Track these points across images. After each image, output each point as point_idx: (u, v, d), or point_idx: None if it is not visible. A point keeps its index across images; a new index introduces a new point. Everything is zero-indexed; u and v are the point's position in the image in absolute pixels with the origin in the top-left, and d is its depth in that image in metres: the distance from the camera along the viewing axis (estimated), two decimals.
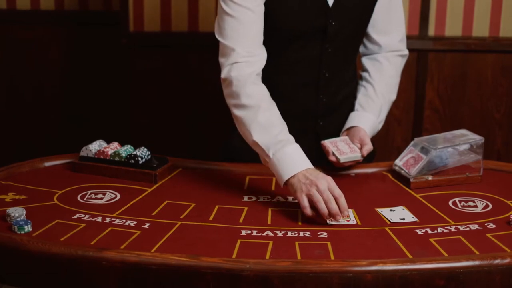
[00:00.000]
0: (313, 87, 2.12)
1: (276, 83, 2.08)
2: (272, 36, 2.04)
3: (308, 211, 1.75)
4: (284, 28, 2.03)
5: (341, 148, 2.02)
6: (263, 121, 1.88)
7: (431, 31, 3.27)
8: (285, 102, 2.04)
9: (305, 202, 1.75)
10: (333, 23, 2.03)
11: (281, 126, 1.90)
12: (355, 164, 2.07)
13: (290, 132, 1.95)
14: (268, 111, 1.91)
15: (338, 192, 1.75)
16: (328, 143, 2.04)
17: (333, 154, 2.01)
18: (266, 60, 1.99)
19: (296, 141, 2.01)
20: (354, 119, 2.13)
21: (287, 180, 1.81)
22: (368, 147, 2.04)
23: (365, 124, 2.11)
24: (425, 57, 3.26)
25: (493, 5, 3.24)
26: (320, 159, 2.03)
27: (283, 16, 2.01)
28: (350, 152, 2.01)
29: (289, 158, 1.83)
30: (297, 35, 2.04)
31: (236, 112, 1.93)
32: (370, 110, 2.14)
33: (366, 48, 2.22)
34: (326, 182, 1.76)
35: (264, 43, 2.02)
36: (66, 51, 3.61)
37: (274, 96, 1.98)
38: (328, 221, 1.75)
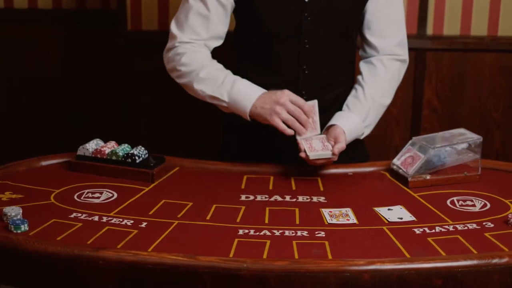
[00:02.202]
0: (294, 84, 2.10)
1: (257, 80, 2.09)
2: (250, 33, 2.06)
3: (289, 131, 1.93)
4: (260, 23, 2.04)
5: (314, 146, 1.99)
6: (206, 75, 2.04)
7: (429, 30, 3.26)
8: None
9: (282, 124, 1.94)
10: (309, 18, 2.03)
11: (225, 72, 2.06)
12: (330, 163, 2.03)
13: (272, 129, 1.97)
14: (207, 67, 2.05)
15: (300, 101, 1.96)
16: (302, 140, 2.00)
17: (304, 151, 1.99)
18: (213, 49, 2.13)
19: (278, 138, 2.02)
20: (336, 118, 2.10)
21: (251, 112, 1.95)
22: (340, 145, 1.99)
23: (345, 124, 2.06)
24: (423, 56, 3.26)
25: (491, 4, 3.24)
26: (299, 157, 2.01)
27: (258, 11, 2.03)
28: (322, 150, 1.99)
29: (243, 92, 2.00)
30: (273, 30, 2.05)
31: (181, 80, 2.10)
32: (356, 111, 2.11)
33: (364, 51, 2.21)
34: (286, 96, 1.93)
35: (242, 41, 2.05)
36: (64, 50, 3.60)
37: None
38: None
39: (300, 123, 1.95)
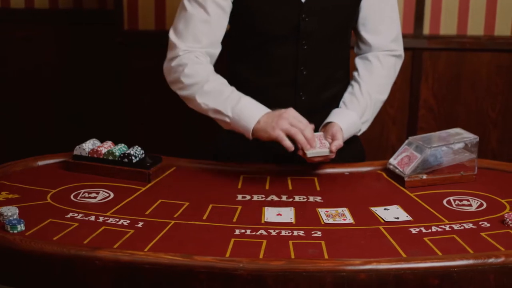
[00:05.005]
0: (292, 85, 2.10)
1: (254, 82, 2.09)
2: (246, 35, 2.05)
3: (290, 144, 1.86)
4: (257, 25, 2.03)
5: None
6: (210, 89, 1.98)
7: (426, 30, 3.27)
8: (264, 101, 2.05)
9: (285, 139, 1.86)
10: (307, 19, 2.02)
11: (230, 88, 1.99)
12: (328, 160, 2.03)
13: None
14: (213, 82, 1.99)
15: (304, 120, 1.90)
16: None
17: (302, 149, 1.99)
18: (215, 57, 2.07)
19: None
20: (333, 115, 2.09)
21: (255, 128, 1.90)
22: (338, 142, 1.98)
23: (342, 121, 2.06)
24: (420, 56, 3.26)
25: (488, 4, 3.24)
26: (297, 156, 2.01)
27: (255, 13, 2.01)
28: (319, 147, 1.99)
29: (248, 109, 1.94)
30: (270, 32, 2.04)
31: (183, 92, 2.03)
32: (353, 108, 2.10)
33: (358, 48, 2.21)
34: (292, 112, 1.88)
35: (238, 43, 2.04)
36: (61, 50, 3.60)
37: (252, 95, 1.98)
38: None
39: (304, 137, 1.87)
